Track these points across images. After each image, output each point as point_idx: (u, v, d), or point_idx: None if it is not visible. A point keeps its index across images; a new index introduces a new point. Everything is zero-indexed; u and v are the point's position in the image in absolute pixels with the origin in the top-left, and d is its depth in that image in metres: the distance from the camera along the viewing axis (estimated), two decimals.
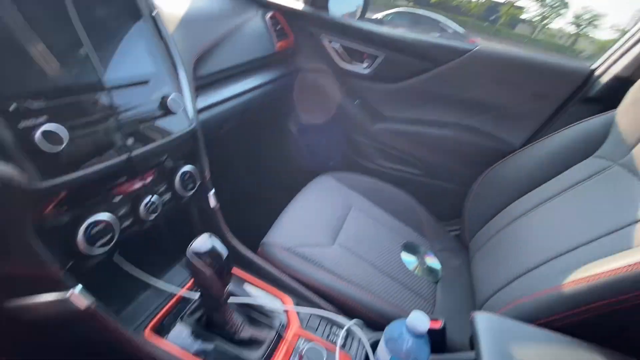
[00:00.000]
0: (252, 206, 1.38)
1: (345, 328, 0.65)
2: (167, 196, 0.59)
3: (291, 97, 1.27)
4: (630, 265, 0.48)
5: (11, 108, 0.36)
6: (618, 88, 0.90)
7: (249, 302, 0.65)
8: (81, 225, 0.44)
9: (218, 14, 0.94)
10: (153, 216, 0.56)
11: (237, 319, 0.60)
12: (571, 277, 0.56)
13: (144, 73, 0.54)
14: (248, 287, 0.70)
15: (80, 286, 0.45)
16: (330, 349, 0.61)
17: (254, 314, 0.65)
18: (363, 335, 0.65)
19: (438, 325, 0.64)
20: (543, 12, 26.34)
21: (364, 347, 0.64)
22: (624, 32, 1.06)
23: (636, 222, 0.58)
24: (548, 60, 1.06)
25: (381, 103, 1.24)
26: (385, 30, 1.15)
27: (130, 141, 0.49)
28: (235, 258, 0.72)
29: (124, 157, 0.48)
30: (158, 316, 0.58)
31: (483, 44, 1.12)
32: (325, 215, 0.95)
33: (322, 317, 0.67)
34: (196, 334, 0.58)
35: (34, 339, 0.54)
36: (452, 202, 1.18)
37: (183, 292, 0.63)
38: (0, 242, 0.38)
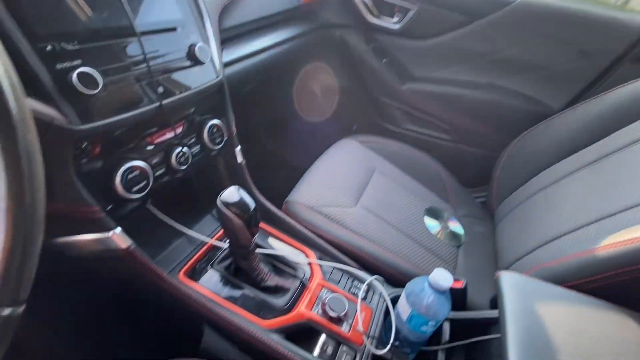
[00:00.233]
0: (275, 168, 1.40)
1: (367, 282, 0.67)
2: (196, 149, 0.61)
3: (315, 55, 1.23)
4: None
5: (48, 48, 0.37)
6: None
7: (274, 254, 0.68)
8: (118, 171, 0.46)
9: None
10: (184, 167, 0.57)
11: (263, 267, 0.62)
12: (605, 242, 0.54)
13: (172, 19, 0.53)
14: (273, 241, 0.72)
15: (119, 228, 0.47)
16: (352, 300, 0.63)
17: (279, 266, 0.67)
18: (384, 290, 0.67)
19: (460, 284, 0.64)
20: None
21: (384, 300, 0.66)
22: None
23: None
24: (601, 13, 0.95)
25: (411, 62, 1.17)
26: None
27: (160, 89, 0.49)
28: (261, 213, 0.73)
29: (155, 105, 0.48)
30: (190, 262, 0.61)
31: None
32: (349, 177, 0.94)
33: (344, 272, 0.69)
34: (225, 281, 0.62)
35: (79, 276, 0.60)
36: (480, 168, 1.14)
37: (213, 241, 0.66)
38: (46, 181, 0.40)
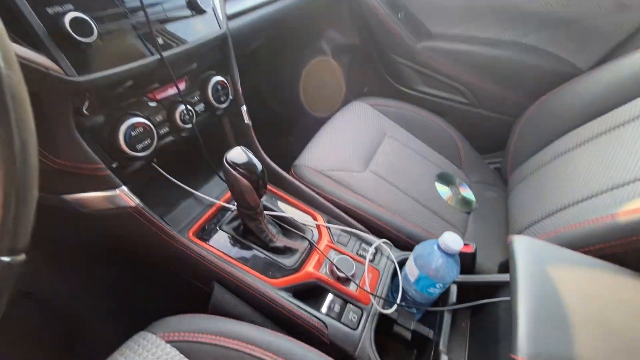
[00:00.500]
0: (283, 132, 1.37)
1: (375, 245, 0.67)
2: (200, 107, 0.58)
3: (327, 10, 1.15)
4: None
5: None
6: None
7: (282, 216, 0.67)
8: (120, 127, 0.45)
9: None
10: (188, 126, 0.55)
11: (271, 229, 0.62)
12: (624, 208, 0.52)
13: None
14: (281, 204, 0.72)
15: (125, 187, 0.47)
16: (360, 262, 0.64)
17: (287, 228, 0.67)
18: (391, 252, 0.67)
19: (470, 249, 0.64)
20: None
21: (392, 263, 0.66)
22: None
23: None
24: None
25: (428, 17, 1.08)
26: None
27: (160, 41, 0.46)
28: (269, 175, 0.72)
29: (155, 58, 0.46)
30: (199, 223, 0.62)
31: None
32: (358, 141, 0.92)
33: (352, 235, 0.69)
34: (234, 241, 0.62)
35: (94, 234, 0.61)
36: (496, 133, 1.10)
37: (221, 202, 0.65)
38: (48, 136, 0.39)
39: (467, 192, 0.94)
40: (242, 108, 0.67)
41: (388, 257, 0.67)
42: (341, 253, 0.64)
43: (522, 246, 0.47)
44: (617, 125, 0.74)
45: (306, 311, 0.54)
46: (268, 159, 0.72)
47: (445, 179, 0.95)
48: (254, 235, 0.62)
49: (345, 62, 1.28)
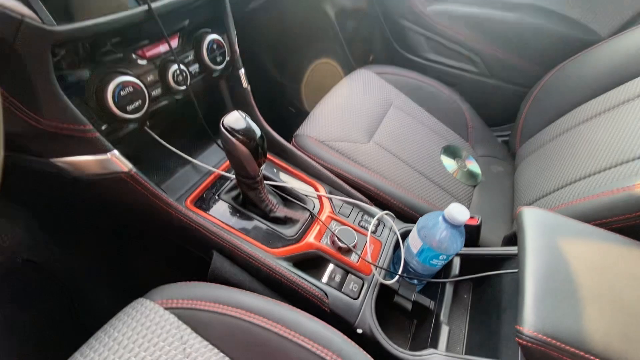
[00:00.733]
0: (284, 101, 1.32)
1: (377, 216, 0.65)
2: (195, 67, 0.55)
3: None
4: None
5: None
6: None
7: (283, 185, 0.65)
8: (108, 86, 0.42)
9: None
10: (182, 87, 0.52)
11: (272, 199, 0.61)
12: None
13: None
14: (282, 174, 0.70)
15: (117, 151, 0.45)
16: (362, 233, 0.62)
17: (288, 198, 0.65)
18: (394, 224, 0.65)
19: (475, 222, 0.62)
20: None
21: (394, 234, 0.65)
22: None
23: None
24: None
25: None
26: None
27: None
28: (269, 144, 0.70)
29: (142, 8, 0.42)
30: (197, 191, 0.60)
31: None
32: (362, 111, 0.88)
33: (354, 206, 0.67)
34: (233, 210, 0.60)
35: (91, 202, 0.59)
36: (506, 105, 1.05)
37: (219, 170, 0.63)
38: (29, 92, 0.36)
39: (473, 166, 0.91)
40: (240, 71, 0.64)
41: (390, 229, 0.65)
42: (342, 224, 0.62)
43: (532, 217, 0.45)
44: (637, 95, 0.70)
45: (307, 280, 0.53)
46: (268, 127, 0.69)
47: (451, 151, 0.92)
48: (254, 205, 0.60)
49: (350, 28, 1.21)
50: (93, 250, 0.77)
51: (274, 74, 1.32)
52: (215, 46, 0.55)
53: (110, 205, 0.57)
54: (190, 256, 0.59)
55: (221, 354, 0.43)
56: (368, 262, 0.57)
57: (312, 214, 0.61)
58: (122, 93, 0.43)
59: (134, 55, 0.46)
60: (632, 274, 0.39)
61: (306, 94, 1.26)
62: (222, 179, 0.64)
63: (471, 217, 0.62)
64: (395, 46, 1.14)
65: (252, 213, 0.60)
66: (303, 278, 0.53)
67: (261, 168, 0.54)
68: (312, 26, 1.15)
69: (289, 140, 0.77)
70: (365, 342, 0.51)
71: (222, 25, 0.59)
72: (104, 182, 0.47)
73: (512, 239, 0.67)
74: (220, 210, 0.60)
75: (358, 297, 0.54)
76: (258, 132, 0.49)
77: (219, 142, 0.67)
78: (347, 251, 0.59)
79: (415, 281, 0.62)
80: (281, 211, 0.61)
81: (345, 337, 0.44)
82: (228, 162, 0.66)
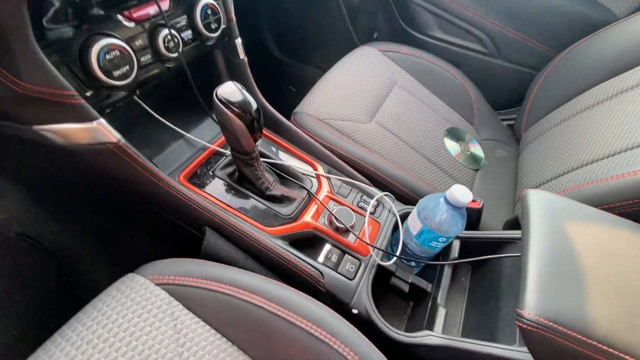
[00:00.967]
0: (283, 80, 1.28)
1: (376, 197, 0.63)
2: (187, 34, 0.51)
3: None
4: None
5: None
6: None
7: (280, 163, 0.63)
8: (92, 47, 0.39)
9: None
10: (174, 55, 0.49)
11: (268, 177, 0.59)
12: None
13: None
14: (279, 152, 0.67)
15: (104, 120, 0.42)
16: (360, 214, 0.61)
17: (286, 177, 0.63)
18: (393, 205, 0.64)
19: (476, 205, 0.60)
20: None
21: (393, 216, 0.63)
22: None
23: None
24: None
25: None
26: None
27: None
28: (266, 120, 0.67)
29: None
30: (190, 166, 0.58)
31: None
32: (365, 89, 0.85)
33: (353, 186, 0.65)
34: (228, 187, 0.59)
35: (81, 176, 0.57)
36: (514, 87, 1.02)
37: (214, 146, 0.61)
38: (4, 50, 0.33)
39: (476, 149, 0.89)
40: (236, 41, 0.60)
41: (390, 210, 0.64)
42: (341, 204, 0.61)
43: (537, 199, 0.44)
44: None
45: (302, 260, 0.52)
46: (265, 102, 0.66)
47: (454, 134, 0.89)
48: (250, 182, 0.58)
49: (355, 3, 1.15)
50: (87, 225, 0.75)
51: (274, 51, 1.27)
52: (209, 11, 0.52)
53: (100, 178, 0.55)
54: (184, 234, 0.58)
55: (213, 331, 0.42)
56: (366, 242, 0.56)
57: (309, 193, 0.60)
58: (108, 57, 0.40)
59: (120, 17, 0.43)
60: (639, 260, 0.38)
61: (308, 72, 1.22)
62: (217, 155, 0.61)
63: (473, 200, 0.61)
64: (401, 23, 1.09)
65: (248, 191, 0.59)
66: (299, 257, 0.52)
67: (257, 144, 0.52)
68: (312, 2, 1.09)
69: (289, 117, 0.75)
70: (361, 322, 0.50)
71: None
72: (92, 153, 0.44)
73: (514, 223, 0.65)
74: (215, 187, 0.58)
75: (354, 277, 0.53)
76: (254, 104, 0.47)
77: (214, 116, 0.65)
78: (345, 231, 0.57)
79: (413, 263, 0.61)
80: (278, 189, 0.59)
81: (340, 316, 0.43)
82: (223, 138, 0.64)
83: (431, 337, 0.47)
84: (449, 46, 1.04)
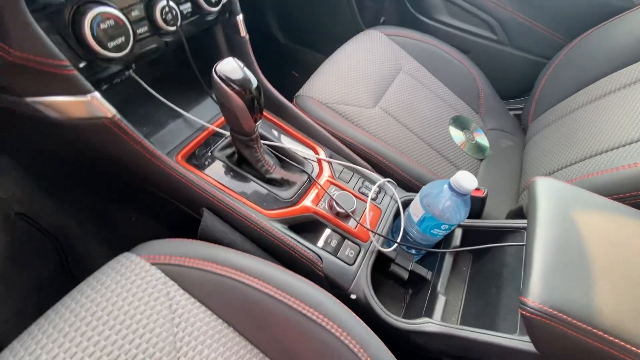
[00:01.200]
0: (286, 65, 1.26)
1: (378, 183, 0.62)
2: (187, 6, 0.49)
3: None
4: None
5: None
6: None
7: (280, 146, 0.62)
8: (85, 15, 0.37)
9: None
10: (172, 28, 0.47)
11: (268, 159, 0.57)
12: None
13: None
14: (280, 135, 0.66)
15: (98, 93, 0.41)
16: (361, 199, 0.59)
17: (286, 160, 0.62)
18: (395, 192, 0.62)
19: (480, 193, 0.59)
20: None
21: (395, 203, 0.62)
22: None
23: None
24: None
25: None
26: None
27: None
28: (267, 102, 0.65)
29: None
30: (188, 146, 0.56)
31: None
32: (370, 74, 0.82)
33: (354, 172, 0.64)
34: (227, 169, 0.57)
35: (70, 148, 0.56)
36: (523, 76, 0.99)
37: (213, 126, 0.59)
38: None
39: (481, 138, 0.87)
40: (237, 18, 0.58)
41: (392, 197, 0.62)
42: (342, 189, 0.59)
43: (545, 187, 0.42)
44: None
45: (301, 243, 0.51)
46: (267, 82, 0.64)
47: (460, 123, 0.87)
48: (249, 165, 0.57)
49: None
50: (84, 205, 0.75)
51: (278, 36, 1.24)
52: None
53: (97, 156, 0.54)
54: (182, 215, 0.57)
55: (209, 312, 0.41)
56: (366, 228, 0.55)
57: (310, 177, 0.58)
58: (102, 26, 0.38)
59: None
60: None
61: (309, 56, 1.19)
62: (216, 136, 0.60)
63: (477, 189, 0.59)
64: (409, 7, 1.06)
65: (247, 173, 0.57)
66: (297, 241, 0.51)
67: (257, 124, 0.50)
68: None
69: (291, 100, 0.73)
70: (359, 308, 0.49)
71: None
72: (87, 128, 0.43)
73: (517, 213, 0.64)
74: (213, 168, 0.57)
75: (354, 263, 0.52)
76: (255, 82, 0.45)
77: (214, 95, 0.63)
78: (345, 217, 0.56)
79: (414, 251, 0.60)
80: (278, 172, 0.58)
81: (338, 300, 0.42)
82: (223, 118, 0.62)
83: (430, 324, 0.47)
84: (457, 32, 1.01)
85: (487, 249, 0.55)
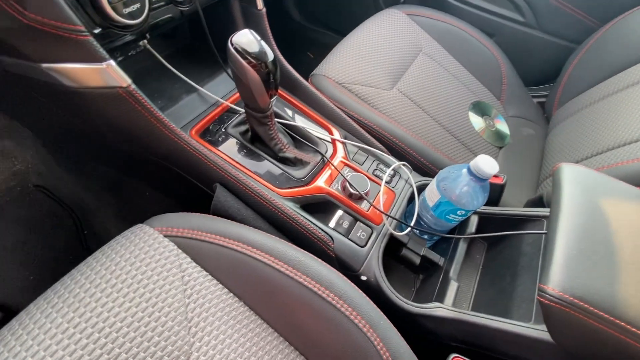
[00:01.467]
0: (302, 45, 1.23)
1: (393, 167, 0.61)
2: None
3: None
4: None
5: None
6: None
7: (295, 125, 0.61)
8: None
9: None
10: None
11: (282, 138, 0.56)
12: None
13: None
14: (295, 114, 0.65)
15: (114, 62, 0.40)
16: (375, 182, 0.58)
17: (300, 139, 0.61)
18: (411, 176, 0.61)
19: (500, 180, 0.57)
20: None
21: (409, 187, 0.61)
22: None
23: None
24: None
25: None
26: None
27: None
28: (282, 80, 0.64)
29: None
30: (202, 122, 0.56)
31: None
32: (388, 55, 0.79)
33: (369, 154, 0.62)
34: (240, 146, 0.57)
35: (85, 118, 0.56)
36: (549, 62, 0.94)
37: (228, 102, 0.59)
38: None
39: (502, 126, 0.84)
40: None
41: (407, 181, 0.61)
42: (356, 171, 0.58)
43: (571, 173, 0.40)
44: None
45: (313, 223, 0.50)
46: (282, 58, 0.62)
47: (480, 108, 0.84)
48: (263, 143, 0.56)
49: None
50: (100, 179, 0.76)
51: (294, 14, 1.21)
52: None
53: (112, 128, 0.54)
54: (195, 190, 0.57)
55: (220, 285, 0.41)
56: (380, 210, 0.54)
57: (324, 158, 0.57)
58: None
59: None
60: None
61: (326, 36, 1.16)
62: (230, 112, 0.59)
63: (496, 176, 0.57)
64: None
65: (261, 151, 0.57)
66: (309, 220, 0.50)
67: (272, 100, 0.49)
68: None
69: (307, 79, 0.71)
70: (369, 290, 0.49)
71: None
72: (101, 98, 0.43)
73: (537, 202, 0.62)
74: (227, 144, 0.56)
75: (365, 245, 0.52)
76: (271, 55, 0.44)
77: (229, 71, 0.62)
78: (358, 199, 0.55)
79: (426, 236, 0.59)
80: (291, 152, 0.57)
81: (348, 280, 0.42)
82: (237, 95, 0.61)
83: (441, 309, 0.46)
84: (482, 13, 0.96)
85: (503, 236, 0.53)
